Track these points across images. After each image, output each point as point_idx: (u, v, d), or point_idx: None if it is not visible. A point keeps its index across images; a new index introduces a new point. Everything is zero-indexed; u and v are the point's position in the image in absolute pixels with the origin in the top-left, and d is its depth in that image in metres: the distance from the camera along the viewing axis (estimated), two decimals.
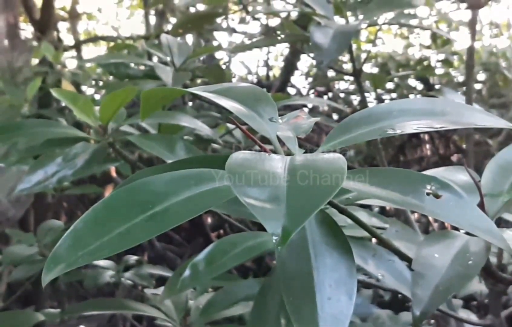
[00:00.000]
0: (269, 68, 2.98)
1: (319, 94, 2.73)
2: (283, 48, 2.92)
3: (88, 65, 1.94)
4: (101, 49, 3.01)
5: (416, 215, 1.97)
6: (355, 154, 2.42)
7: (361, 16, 1.20)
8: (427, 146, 2.77)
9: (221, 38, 2.97)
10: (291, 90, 2.59)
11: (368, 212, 0.79)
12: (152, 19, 2.57)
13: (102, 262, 1.50)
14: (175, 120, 1.01)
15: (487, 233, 0.42)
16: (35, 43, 2.20)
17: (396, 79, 2.29)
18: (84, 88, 2.05)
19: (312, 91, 2.75)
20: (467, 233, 0.53)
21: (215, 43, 2.37)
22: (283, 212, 0.36)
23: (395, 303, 1.47)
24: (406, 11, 1.27)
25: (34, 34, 2.28)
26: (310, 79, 2.82)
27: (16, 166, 1.30)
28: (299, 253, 0.46)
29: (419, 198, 0.43)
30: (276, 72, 3.08)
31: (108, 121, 0.94)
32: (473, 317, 1.25)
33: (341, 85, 2.74)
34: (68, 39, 2.81)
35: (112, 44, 2.41)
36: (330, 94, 2.70)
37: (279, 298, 0.63)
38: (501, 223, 0.64)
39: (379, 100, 2.30)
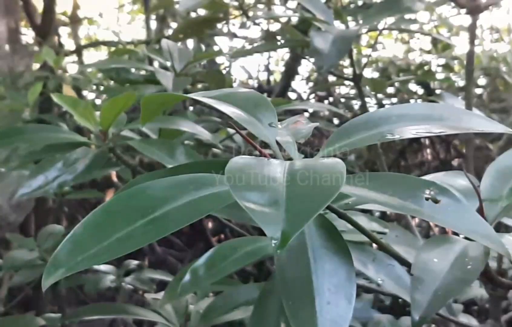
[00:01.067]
0: (270, 73, 2.98)
1: (320, 99, 2.73)
2: (283, 53, 2.92)
3: (89, 70, 1.94)
4: (102, 54, 3.02)
5: (417, 219, 1.97)
6: (355, 159, 2.42)
7: (361, 21, 1.20)
8: (428, 150, 2.77)
9: (221, 43, 2.97)
10: (292, 95, 2.60)
11: (368, 217, 0.79)
12: (153, 24, 2.57)
13: (102, 267, 1.50)
14: (176, 125, 1.01)
15: (485, 238, 0.42)
16: (36, 48, 2.21)
17: (396, 84, 2.29)
18: (85, 93, 2.06)
19: (312, 95, 2.75)
20: (467, 238, 0.53)
21: (215, 48, 2.37)
22: (282, 216, 0.36)
23: (395, 308, 1.47)
24: (406, 16, 1.28)
25: (35, 39, 2.28)
26: (311, 84, 2.83)
27: (17, 171, 1.31)
28: (298, 258, 0.47)
29: (418, 203, 0.43)
30: (277, 76, 3.08)
31: (108, 126, 0.94)
32: (473, 322, 1.25)
33: (342, 90, 2.75)
34: (69, 44, 2.81)
35: (113, 49, 2.42)
36: (330, 99, 2.70)
37: (279, 303, 0.64)
38: (501, 228, 0.64)
39: (380, 105, 2.30)
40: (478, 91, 2.53)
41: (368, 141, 0.51)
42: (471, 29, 1.40)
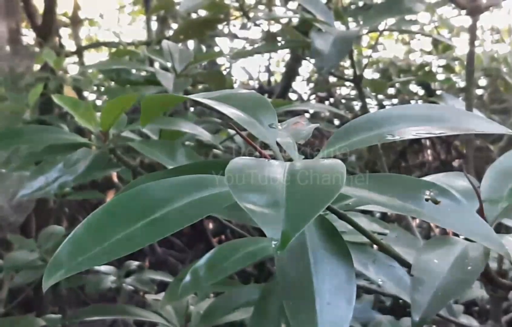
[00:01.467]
0: (270, 73, 2.97)
1: (321, 100, 2.73)
2: (284, 54, 2.92)
3: (89, 71, 1.94)
4: (103, 55, 3.02)
5: (417, 220, 1.97)
6: (356, 160, 2.42)
7: (361, 22, 1.20)
8: (429, 151, 2.77)
9: (222, 44, 2.97)
10: (292, 96, 2.59)
11: (369, 217, 0.79)
12: (154, 25, 2.57)
13: (103, 268, 1.50)
14: (176, 126, 1.01)
15: (485, 238, 0.42)
16: (37, 49, 2.21)
17: (397, 85, 2.29)
18: (85, 93, 2.06)
19: (313, 96, 2.75)
20: (467, 239, 0.53)
21: (216, 49, 2.37)
22: (282, 217, 0.36)
23: (396, 309, 1.47)
24: (407, 17, 1.28)
25: (36, 40, 2.28)
26: (311, 85, 2.82)
27: (18, 172, 1.31)
28: (299, 259, 0.47)
29: (418, 204, 0.44)
30: (277, 77, 3.08)
31: (109, 127, 0.94)
32: (474, 323, 1.25)
33: (343, 90, 2.74)
34: (70, 45, 2.81)
35: (114, 50, 2.42)
36: (331, 100, 2.70)
37: (279, 304, 0.64)
38: (501, 229, 0.64)
39: (380, 105, 2.30)
40: (479, 92, 2.53)
41: (368, 142, 0.51)
42: (472, 30, 1.40)
